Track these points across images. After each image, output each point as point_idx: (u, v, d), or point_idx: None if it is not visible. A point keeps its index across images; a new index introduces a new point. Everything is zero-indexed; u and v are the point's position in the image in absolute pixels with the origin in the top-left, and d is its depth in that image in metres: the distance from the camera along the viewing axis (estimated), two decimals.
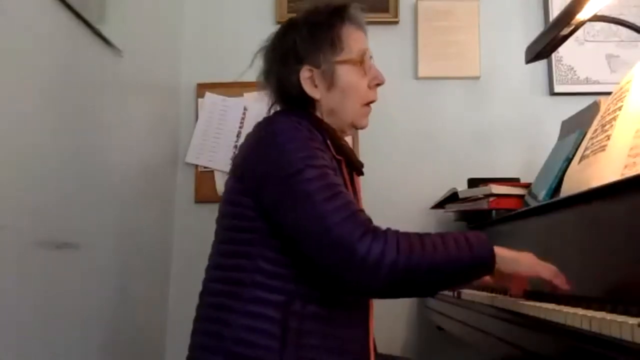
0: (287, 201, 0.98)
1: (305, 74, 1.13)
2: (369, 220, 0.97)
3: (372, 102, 1.20)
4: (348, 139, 1.44)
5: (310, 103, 1.15)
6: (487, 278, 1.05)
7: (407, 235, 0.96)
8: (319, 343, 1.00)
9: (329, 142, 1.09)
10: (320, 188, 0.96)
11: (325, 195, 0.96)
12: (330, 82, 1.14)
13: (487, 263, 0.96)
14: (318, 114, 1.15)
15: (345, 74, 1.14)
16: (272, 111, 1.20)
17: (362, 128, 1.22)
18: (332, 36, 1.14)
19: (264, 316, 0.99)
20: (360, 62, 1.16)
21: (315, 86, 1.14)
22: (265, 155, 1.03)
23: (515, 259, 0.98)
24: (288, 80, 1.14)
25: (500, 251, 0.97)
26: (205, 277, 1.10)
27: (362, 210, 0.98)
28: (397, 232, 0.96)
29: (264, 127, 1.08)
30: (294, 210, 0.97)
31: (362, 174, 1.23)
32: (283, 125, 1.05)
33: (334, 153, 1.09)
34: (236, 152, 1.14)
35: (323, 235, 0.93)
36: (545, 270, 0.97)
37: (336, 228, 0.92)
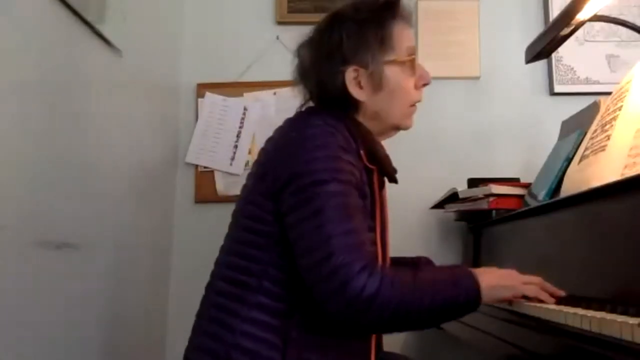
0: (301, 209, 0.94)
1: (351, 74, 1.05)
2: (373, 255, 0.94)
3: (417, 102, 1.14)
4: None
5: (351, 104, 1.07)
6: None
7: (400, 275, 0.92)
8: (320, 357, 0.98)
9: (362, 151, 1.03)
10: (337, 205, 0.92)
11: (340, 215, 0.91)
12: (378, 83, 1.06)
13: (474, 303, 0.94)
14: (360, 116, 1.09)
15: (395, 75, 1.08)
16: (305, 107, 1.13)
17: (406, 129, 1.15)
18: (383, 34, 1.06)
19: (266, 324, 0.97)
20: (410, 61, 1.10)
21: (361, 87, 1.06)
22: (292, 158, 0.98)
23: (496, 286, 0.96)
24: (331, 80, 1.06)
25: (483, 282, 0.94)
26: (214, 270, 1.08)
27: (367, 243, 0.94)
28: (392, 273, 0.92)
29: (296, 127, 1.03)
30: (304, 220, 0.93)
31: (395, 181, 1.17)
32: (316, 130, 0.99)
33: (367, 163, 1.04)
34: (263, 145, 1.08)
35: (323, 260, 0.89)
36: (528, 289, 0.96)
37: (337, 255, 0.88)
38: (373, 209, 1.04)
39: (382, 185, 1.12)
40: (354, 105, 1.08)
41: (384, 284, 0.88)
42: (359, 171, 1.00)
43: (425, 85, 1.14)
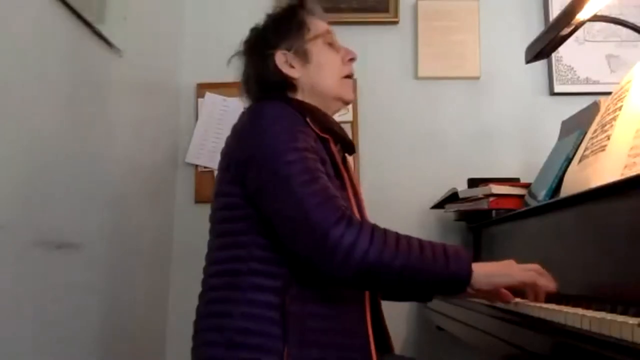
0: (268, 183, 0.99)
1: (280, 58, 1.16)
2: (346, 207, 0.97)
3: (349, 75, 1.23)
4: (348, 131, 1.43)
5: (291, 88, 1.17)
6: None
7: (383, 230, 0.96)
8: (320, 325, 1.00)
9: (310, 122, 1.09)
10: (300, 171, 0.97)
11: (304, 178, 0.97)
12: (304, 58, 1.17)
13: (461, 281, 0.94)
14: (299, 94, 1.18)
15: (318, 50, 1.19)
16: None
17: (349, 101, 1.24)
18: (298, 21, 1.20)
19: (264, 303, 0.99)
20: (329, 35, 1.21)
21: (292, 67, 1.17)
22: (248, 140, 1.04)
23: (493, 274, 0.97)
24: (265, 68, 1.17)
25: (478, 268, 0.95)
26: (203, 277, 1.10)
27: (338, 197, 0.98)
28: (373, 224, 0.96)
29: (247, 114, 1.10)
30: (273, 192, 0.98)
31: (353, 150, 1.24)
32: (266, 110, 1.07)
33: (319, 132, 1.10)
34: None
35: (300, 220, 0.94)
36: (526, 278, 0.96)
37: (312, 212, 0.93)
38: (342, 182, 1.08)
39: (343, 158, 1.19)
40: (292, 85, 1.18)
41: (362, 234, 0.92)
42: (313, 139, 1.06)
43: (352, 59, 1.23)
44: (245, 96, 1.23)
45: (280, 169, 0.98)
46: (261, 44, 1.19)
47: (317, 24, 1.21)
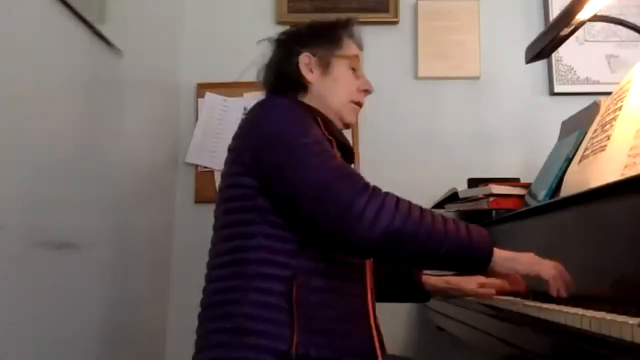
0: (286, 163, 1.00)
1: (304, 59, 1.20)
2: (366, 181, 0.99)
3: (359, 102, 1.26)
4: (347, 132, 1.44)
5: (302, 89, 1.21)
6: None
7: (407, 201, 0.98)
8: (327, 314, 1.01)
9: (320, 121, 1.12)
10: (318, 151, 1.00)
11: (324, 156, 1.00)
12: (325, 69, 1.21)
13: (482, 257, 0.97)
14: (307, 98, 1.21)
15: (340, 68, 1.22)
16: None
17: (348, 124, 1.26)
18: (334, 35, 1.24)
19: (271, 291, 1.00)
20: (355, 60, 1.24)
21: (311, 71, 1.21)
22: (261, 130, 1.06)
23: (513, 259, 0.99)
24: (287, 62, 1.21)
25: (499, 251, 0.98)
26: (207, 271, 1.11)
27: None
28: (398, 197, 0.98)
29: (257, 106, 1.12)
30: (294, 170, 0.99)
31: (352, 158, 1.26)
32: (277, 102, 1.12)
33: (325, 132, 1.12)
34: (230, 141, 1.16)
35: (323, 191, 0.95)
36: (544, 270, 0.97)
37: (336, 183, 0.95)
38: None
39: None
40: (304, 88, 1.21)
41: (387, 202, 0.95)
42: (322, 133, 1.09)
43: (366, 91, 1.27)
44: (260, 82, 1.27)
45: (297, 148, 1.00)
46: (293, 40, 1.24)
47: (351, 46, 1.26)
